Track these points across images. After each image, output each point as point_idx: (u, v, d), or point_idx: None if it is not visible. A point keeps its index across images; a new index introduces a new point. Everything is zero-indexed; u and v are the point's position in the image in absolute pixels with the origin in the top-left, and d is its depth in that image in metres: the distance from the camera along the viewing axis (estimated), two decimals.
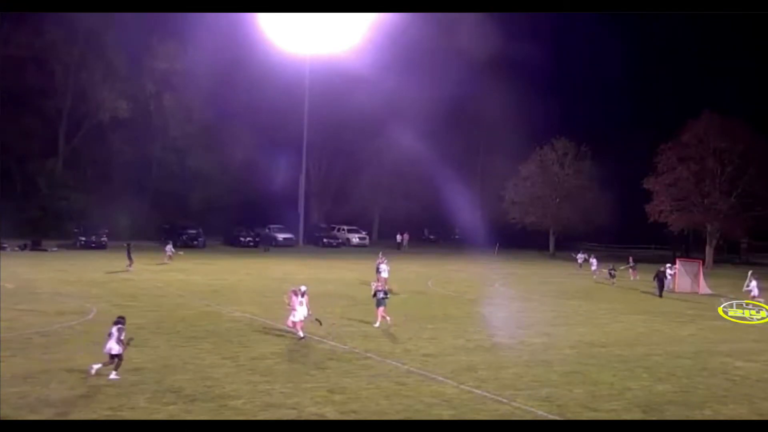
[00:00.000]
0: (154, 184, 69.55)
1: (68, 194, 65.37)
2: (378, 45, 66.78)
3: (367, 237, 78.21)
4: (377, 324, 25.58)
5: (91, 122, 69.59)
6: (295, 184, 74.65)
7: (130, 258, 41.46)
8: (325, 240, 73.35)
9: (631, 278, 47.33)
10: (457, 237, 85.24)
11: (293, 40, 67.27)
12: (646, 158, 64.49)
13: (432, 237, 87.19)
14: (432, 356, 21.70)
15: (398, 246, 73.90)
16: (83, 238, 58.74)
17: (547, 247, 74.21)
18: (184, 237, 64.20)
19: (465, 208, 68.70)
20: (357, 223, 79.75)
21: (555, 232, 74.47)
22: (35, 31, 63.48)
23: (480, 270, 46.12)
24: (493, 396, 17.39)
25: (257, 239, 68.23)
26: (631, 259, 49.26)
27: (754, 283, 35.23)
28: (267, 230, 70.96)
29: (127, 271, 40.61)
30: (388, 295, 26.79)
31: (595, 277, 47.55)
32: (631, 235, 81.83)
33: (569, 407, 16.78)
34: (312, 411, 15.71)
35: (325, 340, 23.36)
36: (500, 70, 73.34)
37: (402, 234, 75.61)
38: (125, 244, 43.31)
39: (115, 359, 17.39)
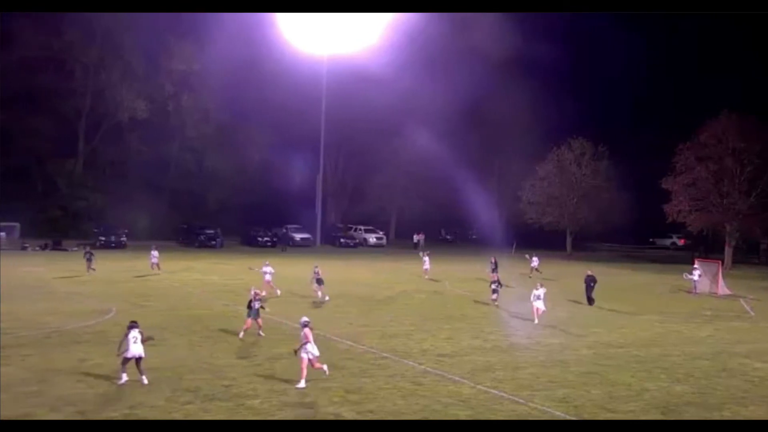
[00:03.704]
0: (172, 184, 69.93)
1: (87, 194, 65.86)
2: (395, 45, 66.84)
3: (384, 237, 78.20)
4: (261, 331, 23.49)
5: (110, 123, 70.06)
6: (312, 184, 74.78)
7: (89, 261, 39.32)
8: (342, 240, 73.38)
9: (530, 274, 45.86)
10: (474, 237, 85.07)
11: (310, 40, 67.44)
12: (665, 158, 64.03)
13: (449, 237, 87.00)
14: (448, 356, 21.68)
15: (415, 246, 73.80)
16: (102, 238, 59.15)
17: (564, 247, 73.91)
18: (202, 237, 64.54)
19: (482, 208, 68.56)
20: (374, 223, 79.75)
21: (572, 232, 74.15)
22: (54, 33, 63.98)
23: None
24: (510, 396, 17.36)
25: (275, 239, 68.39)
26: (492, 260, 44.57)
27: None
28: (284, 230, 71.09)
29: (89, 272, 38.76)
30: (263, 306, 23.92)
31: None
32: (648, 235, 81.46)
33: (586, 408, 16.72)
34: (329, 411, 15.76)
35: (342, 340, 23.41)
36: (517, 69, 73.20)
37: (418, 234, 75.57)
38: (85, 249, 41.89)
39: (140, 362, 17.43)
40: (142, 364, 17.40)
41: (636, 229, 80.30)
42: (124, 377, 17.25)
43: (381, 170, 79.78)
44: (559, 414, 16.17)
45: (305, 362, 17.59)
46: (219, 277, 41.17)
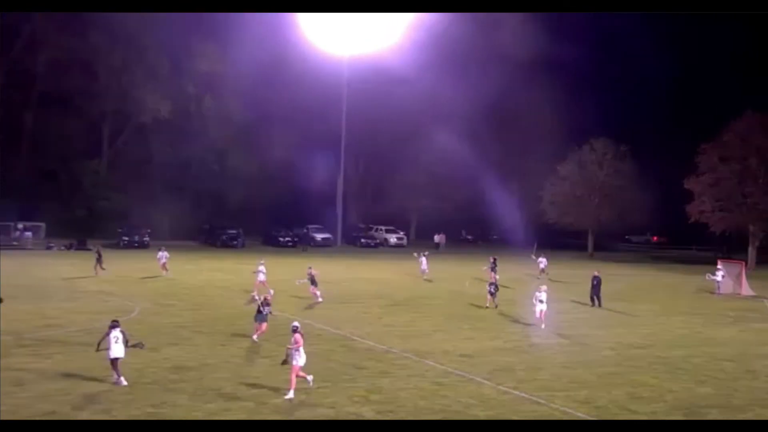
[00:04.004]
0: (194, 185, 70.27)
1: (111, 194, 66.33)
2: (417, 45, 66.67)
3: (405, 237, 78.18)
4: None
5: (134, 124, 70.65)
6: (334, 184, 74.91)
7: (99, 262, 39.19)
8: (363, 240, 73.46)
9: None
10: (495, 237, 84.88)
11: (332, 41, 67.58)
12: (687, 158, 63.54)
13: (470, 237, 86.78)
14: (469, 357, 21.68)
15: (436, 246, 73.75)
16: (126, 238, 59.68)
17: (585, 248, 73.51)
18: (224, 237, 64.94)
19: (503, 209, 68.33)
20: (395, 223, 79.68)
21: (593, 232, 73.75)
22: (79, 35, 64.62)
23: (517, 270, 45.80)
24: (531, 397, 17.34)
25: (296, 239, 68.65)
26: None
27: None
28: (305, 230, 71.29)
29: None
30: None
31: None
32: (671, 236, 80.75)
33: (608, 409, 16.67)
34: (349, 410, 15.82)
35: (363, 340, 23.48)
36: (539, 69, 72.88)
37: (439, 234, 75.47)
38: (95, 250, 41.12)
39: (118, 363, 17.30)
40: (119, 366, 17.24)
41: (658, 230, 79.73)
42: (123, 380, 17.13)
43: (402, 170, 79.73)
44: (581, 415, 16.13)
45: (296, 370, 16.83)
46: (241, 277, 41.35)
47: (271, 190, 71.40)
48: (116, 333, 17.29)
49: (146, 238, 60.34)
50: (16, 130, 69.51)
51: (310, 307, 30.34)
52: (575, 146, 71.38)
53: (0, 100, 67.49)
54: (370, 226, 78.18)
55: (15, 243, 55.80)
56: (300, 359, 16.90)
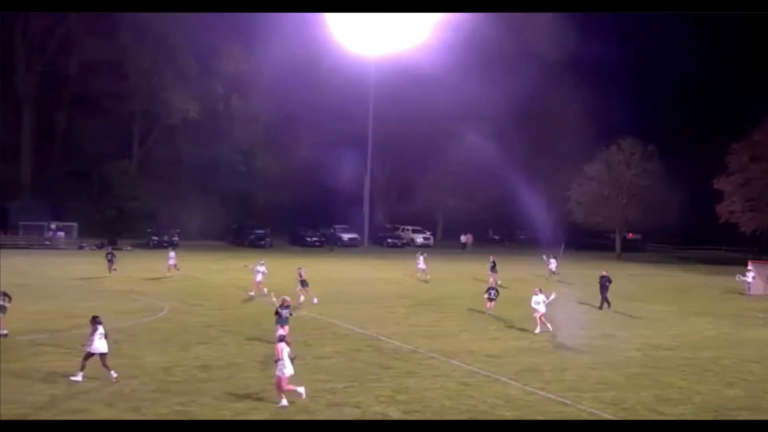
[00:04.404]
0: (222, 185, 70.84)
1: (141, 195, 67.14)
2: (444, 44, 66.49)
3: (432, 237, 78.19)
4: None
5: (163, 124, 71.43)
6: (360, 184, 75.10)
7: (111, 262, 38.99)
8: (389, 240, 73.55)
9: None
10: (521, 237, 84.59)
11: (358, 40, 67.72)
12: (716, 158, 62.81)
13: (496, 237, 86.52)
14: (496, 357, 21.67)
15: (462, 246, 73.68)
16: (156, 238, 60.35)
17: (613, 248, 72.94)
18: (252, 237, 65.46)
19: (530, 209, 67.94)
20: (421, 222, 79.70)
21: (621, 232, 73.15)
22: (109, 36, 65.50)
23: (544, 271, 45.59)
24: (557, 398, 17.29)
25: (323, 239, 68.95)
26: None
27: None
28: (332, 230, 71.59)
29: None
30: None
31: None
32: (700, 236, 79.81)
33: (636, 410, 16.57)
34: (376, 410, 15.88)
35: (389, 340, 23.56)
36: (567, 69, 72.51)
37: (466, 234, 75.33)
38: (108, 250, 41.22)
39: (105, 358, 17.46)
40: (107, 361, 17.43)
41: (687, 230, 78.85)
42: (81, 375, 17.16)
43: (429, 170, 79.67)
44: (608, 416, 16.06)
45: (281, 382, 15.89)
46: (268, 277, 41.53)
47: (298, 190, 71.73)
48: (102, 329, 17.47)
49: (175, 238, 60.94)
50: (49, 131, 70.79)
51: (300, 306, 29.56)
52: (603, 146, 70.86)
53: (34, 102, 68.88)
54: (397, 226, 78.26)
55: (48, 243, 56.79)
56: (286, 369, 15.88)
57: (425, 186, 79.93)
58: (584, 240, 72.42)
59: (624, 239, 73.49)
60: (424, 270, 42.37)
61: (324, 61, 67.43)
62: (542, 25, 68.06)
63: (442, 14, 63.12)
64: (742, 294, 40.24)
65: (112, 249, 41.55)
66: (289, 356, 16.14)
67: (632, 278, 49.34)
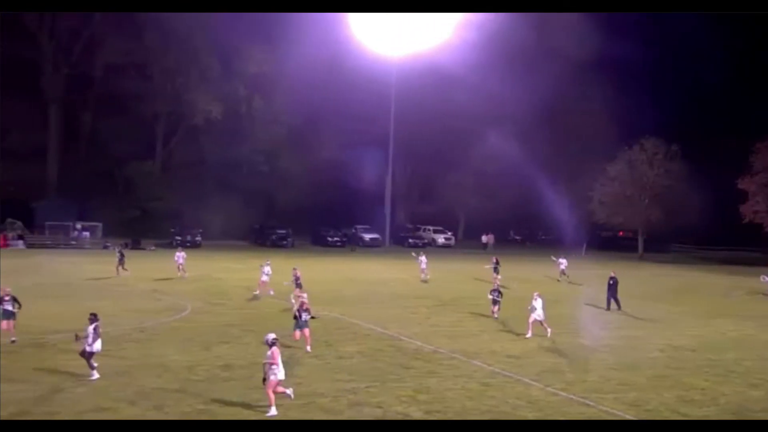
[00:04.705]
0: (244, 185, 71.09)
1: (164, 195, 67.62)
2: (466, 44, 66.25)
3: (453, 237, 78.11)
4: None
5: (186, 125, 71.93)
6: (382, 184, 75.18)
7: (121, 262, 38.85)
8: (410, 240, 73.49)
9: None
10: (543, 238, 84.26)
11: (381, 40, 67.79)
12: (741, 157, 62.15)
13: (518, 238, 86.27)
14: (517, 357, 21.63)
15: (483, 246, 73.52)
16: (179, 238, 60.78)
17: (635, 249, 72.37)
18: (274, 237, 65.79)
19: (552, 209, 67.64)
20: (442, 223, 79.63)
21: (643, 233, 72.54)
22: (135, 38, 66.13)
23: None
24: (579, 399, 17.23)
25: (344, 239, 69.12)
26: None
27: None
28: (354, 230, 71.75)
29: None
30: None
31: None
32: (723, 237, 78.93)
33: (659, 412, 16.49)
34: (397, 410, 15.92)
35: (410, 340, 23.59)
36: (589, 69, 71.93)
37: (487, 234, 75.13)
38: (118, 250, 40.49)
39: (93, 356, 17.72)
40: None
41: (710, 231, 78.02)
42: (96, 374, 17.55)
43: (450, 170, 79.57)
44: (631, 418, 15.98)
45: (273, 385, 15.61)
46: (289, 276, 41.71)
47: (320, 190, 71.94)
48: (95, 327, 17.73)
49: (198, 238, 61.46)
50: (75, 132, 71.65)
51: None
52: (625, 146, 70.32)
53: (60, 104, 69.75)
54: (418, 226, 78.25)
55: (73, 242, 57.45)
56: (279, 373, 15.68)
57: (447, 186, 79.84)
58: (606, 240, 71.92)
59: (646, 240, 72.83)
60: (424, 270, 42.06)
61: (346, 62, 67.53)
62: (565, 24, 67.66)
63: (464, 13, 62.98)
64: (765, 295, 39.80)
65: (122, 249, 41.20)
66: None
67: (654, 279, 49.06)
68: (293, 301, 22.12)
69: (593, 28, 65.58)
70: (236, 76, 70.48)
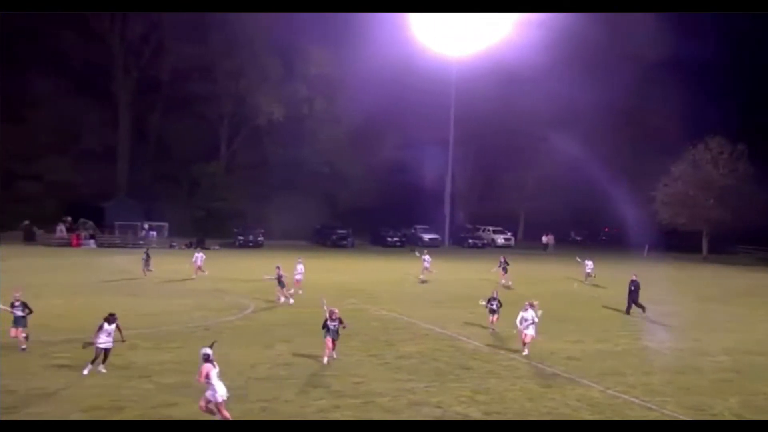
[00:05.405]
0: (306, 186, 72.05)
1: (227, 195, 68.92)
2: (529, 43, 65.76)
3: (513, 238, 77.57)
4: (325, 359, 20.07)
5: (249, 127, 73.18)
6: (442, 184, 75.16)
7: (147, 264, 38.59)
8: (470, 240, 73.36)
9: None
10: (604, 238, 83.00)
11: (441, 40, 67.80)
12: None
13: (578, 238, 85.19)
14: (577, 359, 21.49)
15: (544, 247, 72.83)
16: (241, 238, 61.97)
17: (699, 250, 70.59)
18: (334, 237, 66.47)
19: (613, 209, 66.63)
20: (502, 223, 79.15)
21: (708, 233, 70.67)
22: (200, 41, 67.59)
23: (626, 272, 44.61)
24: (641, 402, 17.06)
25: (403, 239, 69.32)
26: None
27: None
28: (413, 230, 71.89)
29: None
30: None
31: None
32: None
33: (723, 416, 16.22)
34: (456, 410, 16.01)
35: (469, 340, 23.64)
36: (653, 68, 70.84)
37: (547, 235, 74.44)
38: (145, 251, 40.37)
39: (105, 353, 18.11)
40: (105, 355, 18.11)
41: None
42: (103, 368, 17.99)
43: (511, 170, 79.12)
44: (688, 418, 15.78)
45: (204, 405, 14.46)
46: (350, 276, 42.19)
47: (380, 191, 72.34)
48: (111, 327, 18.09)
49: (260, 238, 62.52)
50: (143, 134, 73.64)
51: (275, 306, 29.86)
52: (690, 145, 68.70)
53: (130, 107, 71.80)
54: (478, 226, 77.95)
55: (141, 242, 59.02)
56: (218, 393, 14.24)
57: (507, 186, 79.39)
58: (669, 241, 70.35)
59: (710, 240, 70.88)
60: (428, 268, 41.46)
61: (406, 62, 67.70)
62: (630, 23, 66.58)
63: (524, 12, 62.49)
64: None
65: (148, 249, 41.23)
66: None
67: (719, 281, 47.92)
68: (325, 307, 20.95)
69: (659, 27, 64.42)
70: (298, 77, 71.36)
